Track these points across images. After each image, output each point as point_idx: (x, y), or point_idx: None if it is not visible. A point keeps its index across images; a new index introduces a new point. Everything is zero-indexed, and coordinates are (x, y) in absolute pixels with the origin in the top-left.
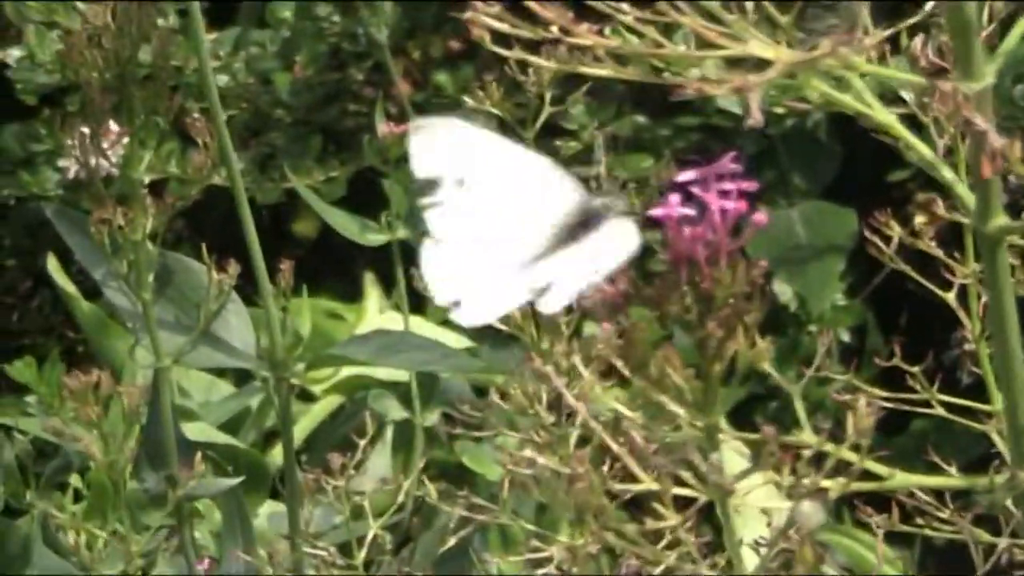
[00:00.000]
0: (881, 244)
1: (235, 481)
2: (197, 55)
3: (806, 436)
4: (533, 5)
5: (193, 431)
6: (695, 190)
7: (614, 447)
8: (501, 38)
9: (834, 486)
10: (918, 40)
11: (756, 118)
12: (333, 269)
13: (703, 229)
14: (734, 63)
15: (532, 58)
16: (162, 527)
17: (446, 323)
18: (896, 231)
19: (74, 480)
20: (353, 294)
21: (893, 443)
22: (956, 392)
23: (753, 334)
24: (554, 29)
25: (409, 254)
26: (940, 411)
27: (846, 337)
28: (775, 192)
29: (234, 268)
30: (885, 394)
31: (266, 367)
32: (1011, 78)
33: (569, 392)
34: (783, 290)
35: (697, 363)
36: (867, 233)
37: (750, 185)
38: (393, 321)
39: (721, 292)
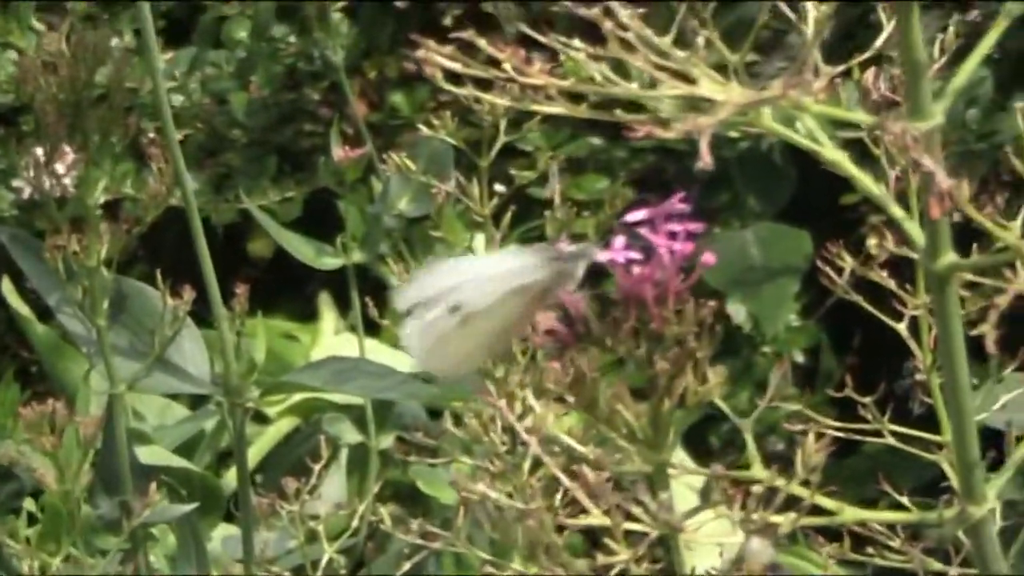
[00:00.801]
0: (833, 274)
1: (189, 508)
2: (152, 78)
3: (756, 471)
4: (484, 45)
5: (147, 454)
6: (643, 231)
7: (565, 481)
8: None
9: (784, 522)
10: (870, 73)
11: (706, 161)
12: (289, 288)
13: (651, 270)
14: (687, 101)
15: (485, 95)
16: (117, 551)
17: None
18: (848, 262)
19: (28, 504)
20: (309, 313)
21: (846, 465)
22: (908, 421)
23: (703, 371)
24: (507, 67)
25: (364, 276)
26: (891, 440)
27: (800, 358)
28: (730, 214)
29: (188, 294)
30: (836, 424)
31: (221, 393)
32: (964, 102)
33: (520, 424)
34: (737, 311)
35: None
36: (819, 263)
37: (697, 226)
38: (348, 343)
39: (670, 331)
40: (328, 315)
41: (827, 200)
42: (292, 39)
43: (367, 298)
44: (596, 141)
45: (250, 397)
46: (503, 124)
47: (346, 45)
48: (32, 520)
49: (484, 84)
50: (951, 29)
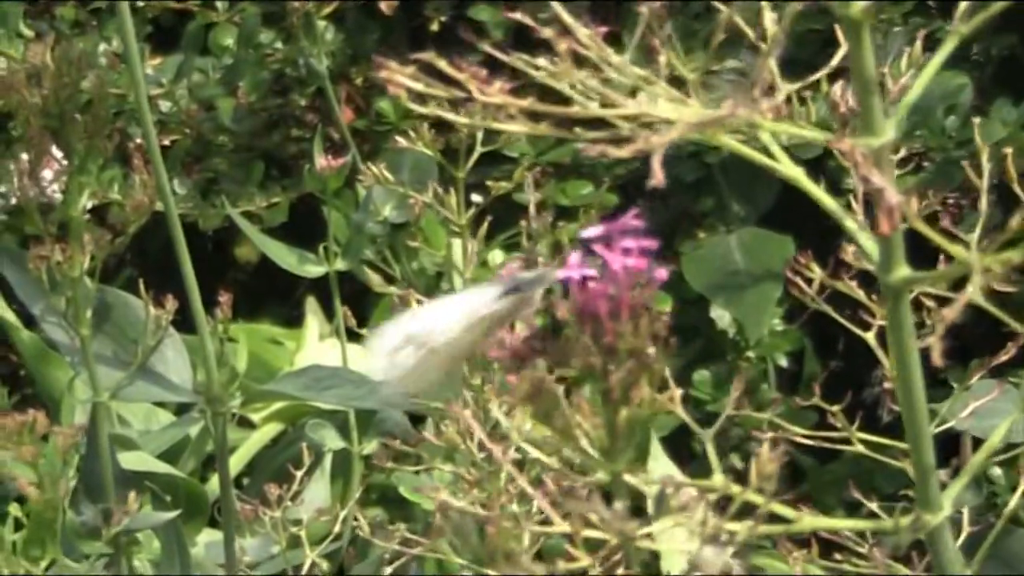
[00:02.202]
0: (803, 284)
1: (172, 515)
2: (134, 88)
3: (716, 479)
4: (445, 66)
5: (132, 460)
6: (597, 247)
7: (528, 490)
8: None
9: (741, 530)
10: (838, 86)
11: (659, 179)
12: (276, 293)
13: (604, 285)
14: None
15: (448, 115)
16: (101, 556)
17: None
18: (816, 272)
19: (13, 509)
20: (296, 318)
21: (828, 470)
22: (877, 429)
23: (657, 384)
24: (471, 87)
25: (351, 281)
26: (860, 448)
27: (784, 363)
28: (713, 218)
29: (171, 303)
30: (804, 432)
31: (202, 401)
32: (943, 109)
33: (484, 433)
34: (721, 316)
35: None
36: (789, 274)
37: (651, 243)
38: (332, 348)
39: (624, 345)
40: (313, 320)
41: (811, 205)
42: (279, 45)
43: (352, 303)
44: (581, 147)
45: (231, 406)
46: (480, 135)
47: (333, 51)
48: (19, 526)
49: (453, 102)
50: (918, 44)
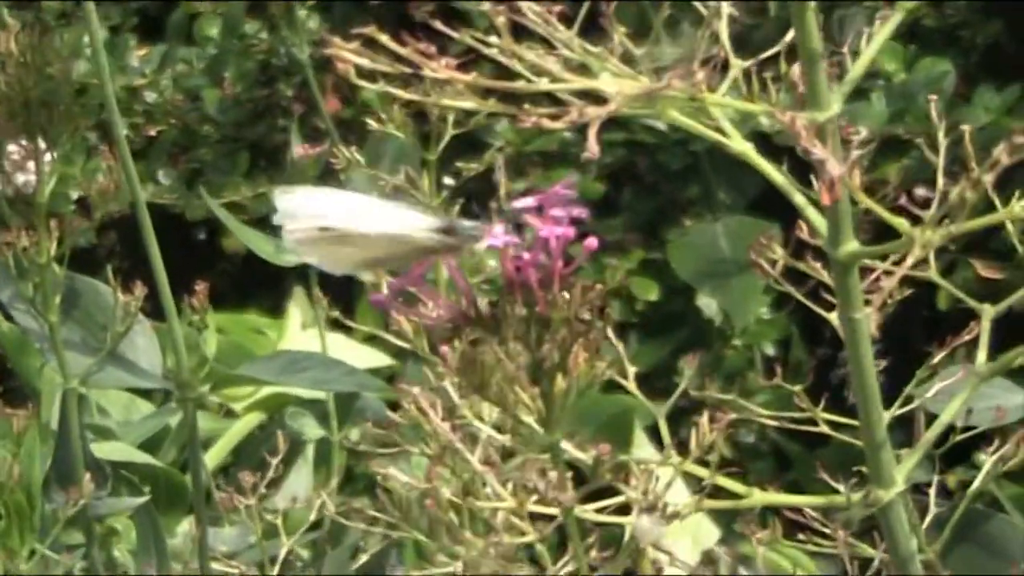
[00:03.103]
0: (765, 265)
1: (141, 500)
2: (98, 74)
3: (656, 453)
4: (385, 40)
5: (111, 450)
6: (528, 217)
7: (476, 465)
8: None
9: (687, 504)
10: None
11: (593, 151)
12: (264, 284)
13: (534, 255)
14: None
15: (395, 90)
16: (80, 546)
17: (371, 339)
18: (778, 253)
19: None
20: (285, 309)
21: (818, 455)
22: (843, 410)
23: (593, 353)
24: (415, 62)
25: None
26: (825, 428)
27: (771, 350)
28: (700, 206)
29: (140, 290)
30: (767, 412)
31: (172, 387)
32: (926, 95)
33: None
34: (707, 304)
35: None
36: (753, 255)
37: (581, 212)
38: (314, 338)
39: (556, 315)
40: (295, 310)
41: None
42: (264, 35)
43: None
44: (567, 134)
45: (201, 392)
46: (451, 118)
47: (315, 41)
48: None
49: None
50: (877, 23)
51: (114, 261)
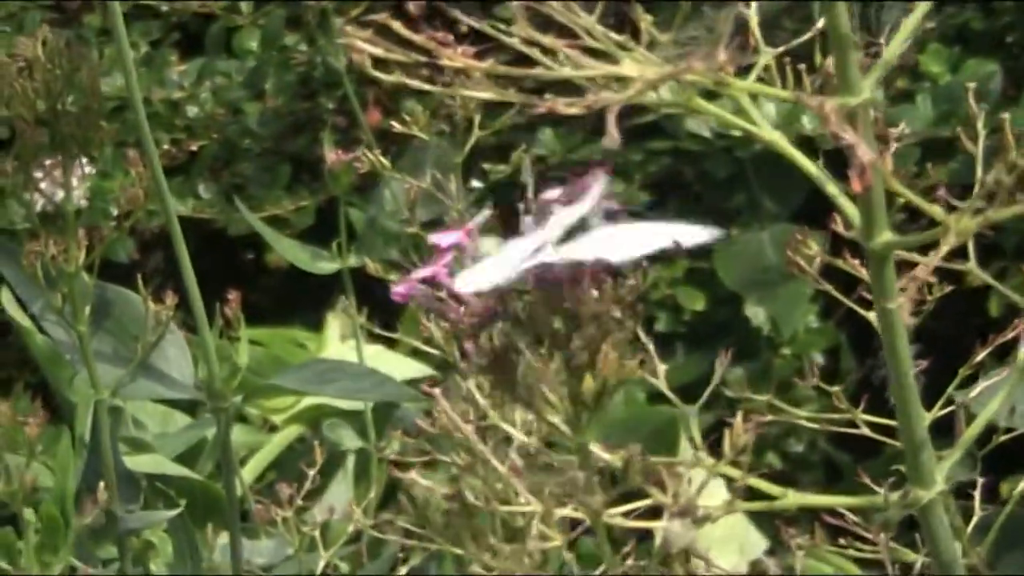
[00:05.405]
0: (803, 263)
1: (172, 513)
2: (127, 85)
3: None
4: (401, 28)
5: (147, 463)
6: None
7: (500, 469)
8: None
9: (718, 507)
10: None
11: (613, 137)
12: (308, 298)
13: None
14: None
15: (411, 81)
16: (113, 561)
17: (416, 353)
18: (814, 249)
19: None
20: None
21: (867, 467)
22: (885, 411)
23: (623, 352)
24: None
25: (379, 285)
26: (866, 431)
27: (820, 359)
28: (746, 215)
29: (171, 300)
30: (805, 414)
31: (204, 397)
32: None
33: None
34: (755, 313)
35: None
36: (788, 253)
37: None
38: (353, 349)
39: (586, 311)
40: (334, 322)
41: None
42: (303, 47)
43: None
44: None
45: (233, 401)
46: (477, 119)
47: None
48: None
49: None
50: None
51: (158, 279)
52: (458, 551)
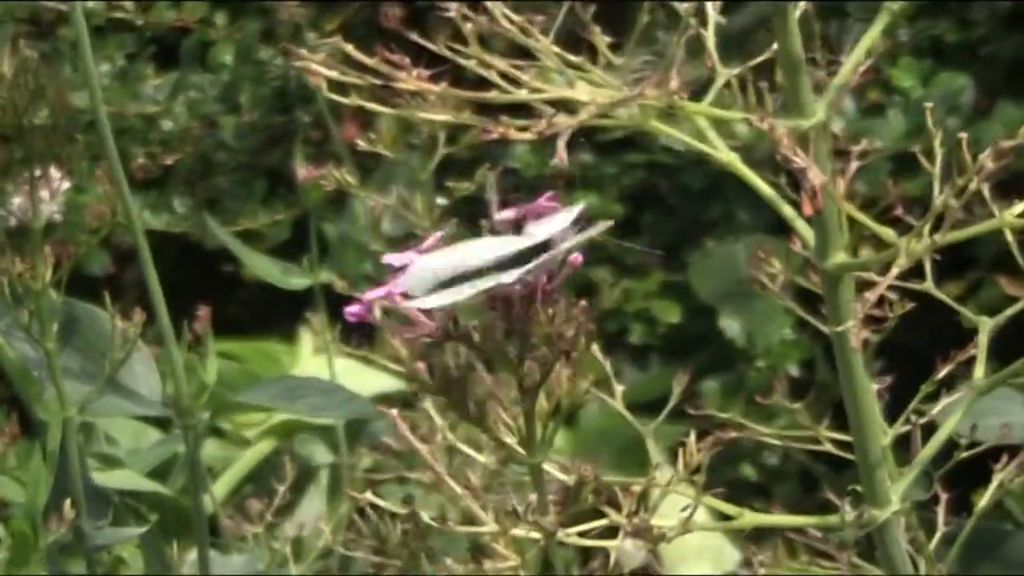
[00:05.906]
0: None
1: (141, 529)
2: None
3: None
4: (352, 51)
5: (118, 479)
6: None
7: (456, 488)
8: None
9: (673, 526)
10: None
11: (562, 159)
12: (285, 312)
13: None
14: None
15: (369, 104)
16: None
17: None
18: (777, 267)
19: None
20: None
21: (842, 478)
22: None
23: (576, 371)
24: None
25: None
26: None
27: (795, 372)
28: (721, 227)
29: (139, 316)
30: (769, 431)
31: (172, 414)
32: (944, 110)
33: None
34: (729, 325)
35: None
36: (752, 270)
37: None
38: (326, 364)
39: (539, 331)
40: (307, 336)
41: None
42: (278, 62)
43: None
44: (586, 156)
45: (201, 418)
46: (442, 136)
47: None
48: None
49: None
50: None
51: (134, 292)
52: (414, 574)
